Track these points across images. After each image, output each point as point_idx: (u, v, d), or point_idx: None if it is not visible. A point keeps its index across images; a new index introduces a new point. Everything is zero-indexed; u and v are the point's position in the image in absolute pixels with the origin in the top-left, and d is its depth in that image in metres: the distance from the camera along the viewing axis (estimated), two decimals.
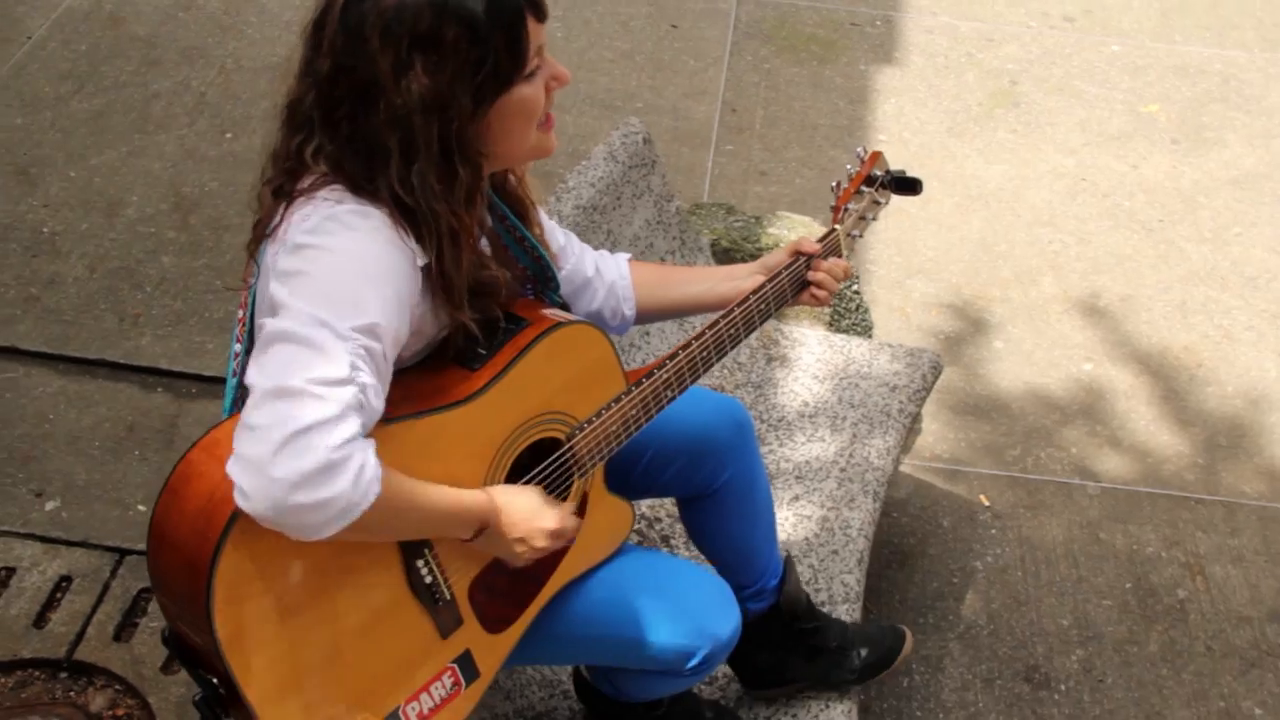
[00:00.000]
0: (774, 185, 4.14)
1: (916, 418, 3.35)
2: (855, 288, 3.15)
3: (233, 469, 1.37)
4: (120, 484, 3.03)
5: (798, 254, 1.97)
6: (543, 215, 1.91)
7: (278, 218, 1.55)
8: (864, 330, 3.17)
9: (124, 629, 2.75)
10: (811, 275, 1.96)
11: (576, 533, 1.74)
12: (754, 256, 3.03)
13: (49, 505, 2.98)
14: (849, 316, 3.10)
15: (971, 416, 3.47)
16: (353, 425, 1.40)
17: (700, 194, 4.09)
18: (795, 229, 3.09)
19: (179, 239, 3.68)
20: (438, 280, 1.56)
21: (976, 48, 4.85)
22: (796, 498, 2.62)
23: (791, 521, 2.57)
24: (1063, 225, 4.09)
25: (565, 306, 1.84)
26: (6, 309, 3.46)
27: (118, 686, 2.68)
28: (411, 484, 1.51)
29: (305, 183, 1.55)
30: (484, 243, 1.74)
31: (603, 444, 1.75)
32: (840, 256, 2.03)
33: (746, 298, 1.88)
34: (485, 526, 1.61)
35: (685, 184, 4.12)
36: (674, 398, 1.81)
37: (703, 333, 1.83)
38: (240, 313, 1.67)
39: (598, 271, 1.96)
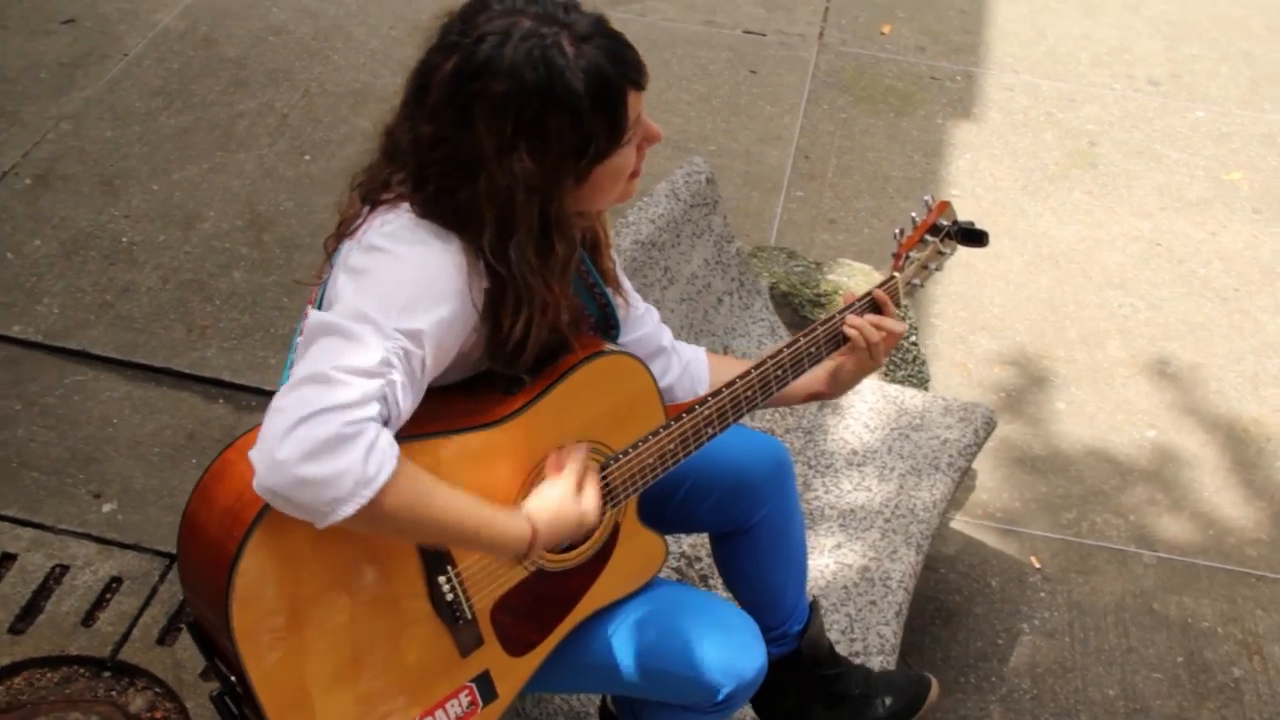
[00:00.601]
0: (842, 234, 4.13)
1: (969, 473, 3.31)
2: (913, 339, 3.13)
3: (252, 452, 1.40)
4: (176, 490, 3.09)
5: (859, 299, 1.97)
6: (625, 279, 1.91)
7: (360, 219, 1.59)
8: (920, 382, 3.15)
9: (168, 633, 2.79)
10: (846, 329, 1.94)
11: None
12: (812, 301, 3.03)
13: (106, 507, 3.04)
14: (905, 368, 3.07)
15: (1028, 476, 3.42)
16: (370, 410, 1.41)
17: (768, 238, 4.09)
18: (855, 276, 3.09)
19: (251, 255, 3.76)
20: (504, 343, 1.58)
21: (1057, 107, 4.81)
22: (838, 545, 2.60)
23: (832, 569, 2.55)
24: (1134, 289, 4.03)
25: None
26: (81, 314, 3.55)
27: (158, 689, 2.72)
28: (435, 482, 1.51)
29: (393, 193, 1.59)
30: None
31: (638, 476, 1.76)
32: (898, 305, 2.02)
33: (796, 339, 1.88)
34: (529, 554, 1.61)
35: (753, 228, 4.13)
36: (714, 435, 1.81)
37: (748, 372, 1.83)
38: (308, 308, 1.71)
39: (674, 348, 1.97)
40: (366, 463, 1.40)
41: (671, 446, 1.77)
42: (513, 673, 1.73)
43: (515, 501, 1.65)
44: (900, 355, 3.08)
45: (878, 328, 1.93)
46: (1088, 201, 4.37)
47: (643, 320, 1.94)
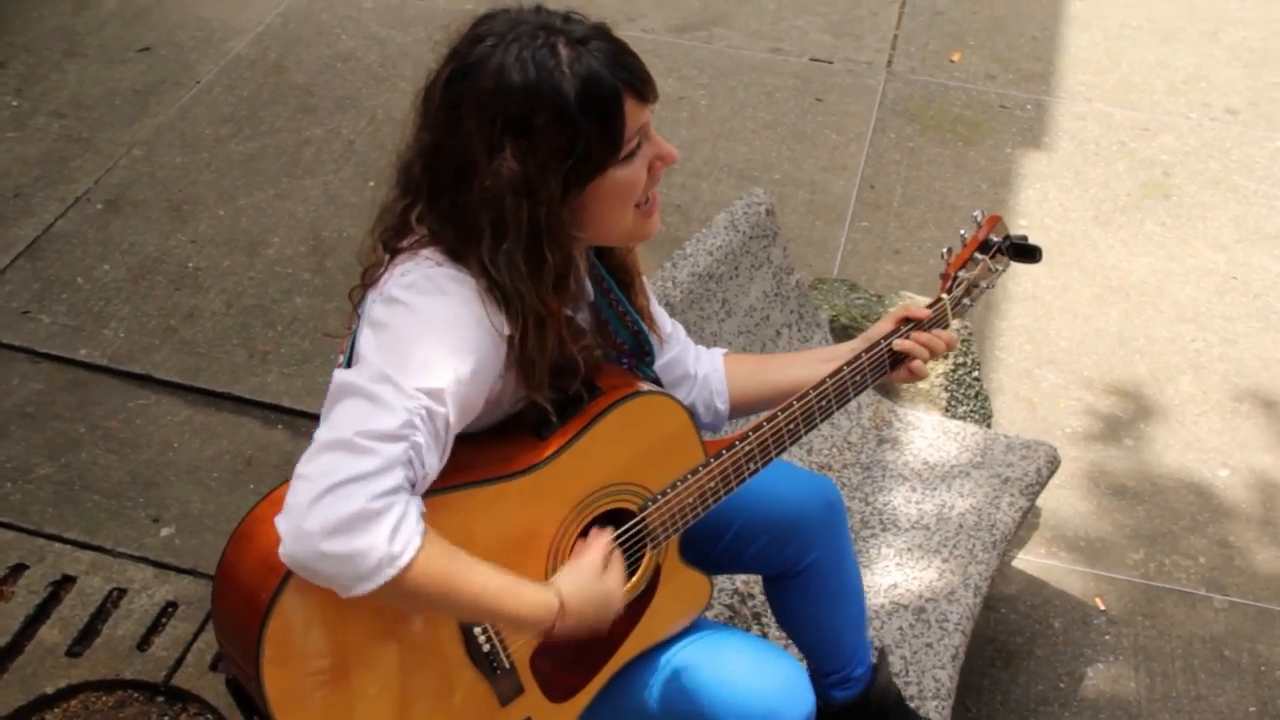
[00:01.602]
0: (906, 265, 4.08)
1: (1032, 511, 3.23)
2: (976, 374, 3.07)
3: (278, 519, 1.39)
4: (233, 515, 3.10)
5: (903, 321, 1.92)
6: (654, 301, 1.89)
7: (382, 269, 1.58)
8: (982, 418, 3.08)
9: (221, 659, 2.80)
10: (899, 344, 1.89)
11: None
12: None
13: (164, 531, 3.07)
14: (966, 404, 3.01)
15: (1094, 515, 3.33)
16: (395, 478, 1.40)
17: (831, 269, 4.05)
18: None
19: (313, 281, 3.79)
20: (520, 359, 1.56)
21: (1130, 136, 4.72)
22: (894, 585, 2.54)
23: (887, 609, 2.49)
24: (1207, 324, 3.93)
25: (657, 380, 1.82)
26: (147, 338, 3.59)
27: (209, 715, 2.73)
28: (464, 556, 1.49)
29: (409, 240, 1.58)
30: (584, 315, 1.74)
31: (678, 516, 1.72)
32: (945, 326, 1.97)
33: (840, 368, 1.83)
34: (554, 627, 1.58)
35: (816, 258, 4.09)
36: (756, 470, 1.77)
37: (790, 404, 1.78)
38: (340, 358, 1.70)
39: (697, 369, 1.94)
40: (392, 541, 1.39)
41: (712, 485, 1.73)
42: (555, 719, 1.70)
43: (550, 551, 1.63)
44: (962, 390, 3.02)
45: (926, 344, 1.89)
46: (1160, 233, 4.28)
47: (671, 342, 1.91)
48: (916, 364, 1.89)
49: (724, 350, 2.00)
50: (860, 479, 2.80)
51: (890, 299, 3.06)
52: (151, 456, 3.26)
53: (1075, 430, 3.57)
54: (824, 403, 1.81)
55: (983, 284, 2.03)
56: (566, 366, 1.62)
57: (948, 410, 2.96)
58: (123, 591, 2.93)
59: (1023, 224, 4.28)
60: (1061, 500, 3.36)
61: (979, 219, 2.03)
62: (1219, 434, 3.58)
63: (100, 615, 2.87)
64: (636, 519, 1.70)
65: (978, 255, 2.01)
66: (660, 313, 1.90)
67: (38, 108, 4.46)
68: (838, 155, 4.54)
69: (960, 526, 2.64)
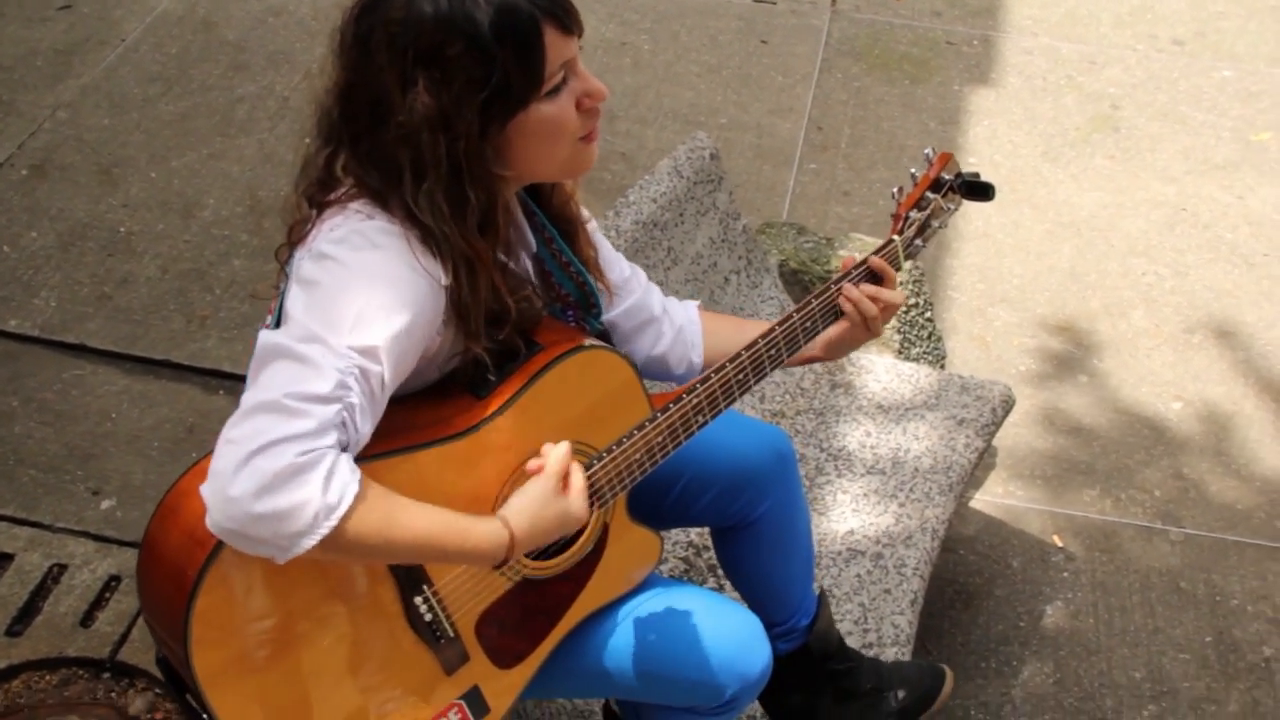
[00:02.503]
0: (856, 206, 4.03)
1: (987, 452, 3.21)
2: (928, 315, 3.03)
3: (203, 487, 1.32)
4: None
5: (855, 266, 1.87)
6: (607, 246, 1.83)
7: (309, 225, 1.51)
8: (936, 359, 3.05)
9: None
10: (841, 302, 1.82)
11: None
12: (822, 279, 2.93)
13: (105, 504, 2.98)
14: (920, 344, 2.97)
15: (1050, 453, 3.32)
16: (328, 439, 1.34)
17: (780, 213, 3.99)
18: (868, 251, 2.97)
19: (251, 243, 3.69)
20: (454, 305, 1.49)
21: (1078, 70, 4.68)
22: (851, 531, 2.51)
23: (844, 556, 2.46)
24: (1158, 256, 3.91)
25: (605, 334, 1.76)
26: (79, 306, 3.49)
27: (158, 690, 2.66)
28: (402, 500, 1.43)
29: (337, 193, 1.51)
30: (527, 264, 1.67)
31: (624, 473, 1.66)
32: (898, 269, 1.91)
33: (789, 315, 1.77)
34: (508, 558, 1.52)
35: (765, 202, 4.03)
36: (705, 423, 1.71)
37: (739, 354, 1.72)
38: (268, 319, 1.63)
39: (665, 312, 1.87)
40: (326, 491, 1.33)
41: (659, 439, 1.67)
42: (504, 685, 1.65)
43: (493, 513, 1.57)
44: (915, 332, 2.98)
45: (875, 300, 1.82)
46: (1110, 167, 4.25)
47: (629, 287, 1.84)
48: (858, 317, 1.81)
49: (697, 303, 1.94)
50: (814, 425, 2.76)
51: (840, 241, 3.01)
52: (89, 428, 3.17)
53: (1029, 368, 3.54)
54: (773, 352, 1.76)
55: (934, 224, 1.98)
56: (503, 315, 1.55)
57: (900, 352, 2.92)
58: (63, 567, 2.84)
59: (972, 161, 4.24)
60: (1018, 439, 3.34)
61: (930, 157, 1.97)
62: (1172, 367, 3.56)
63: (40, 592, 2.79)
64: (584, 471, 1.64)
65: (929, 194, 1.95)
66: (615, 258, 1.83)
67: None
68: (784, 97, 4.47)
69: (916, 470, 2.61)
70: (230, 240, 3.71)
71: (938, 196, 1.94)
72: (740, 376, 1.72)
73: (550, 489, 1.53)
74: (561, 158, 1.53)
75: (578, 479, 1.56)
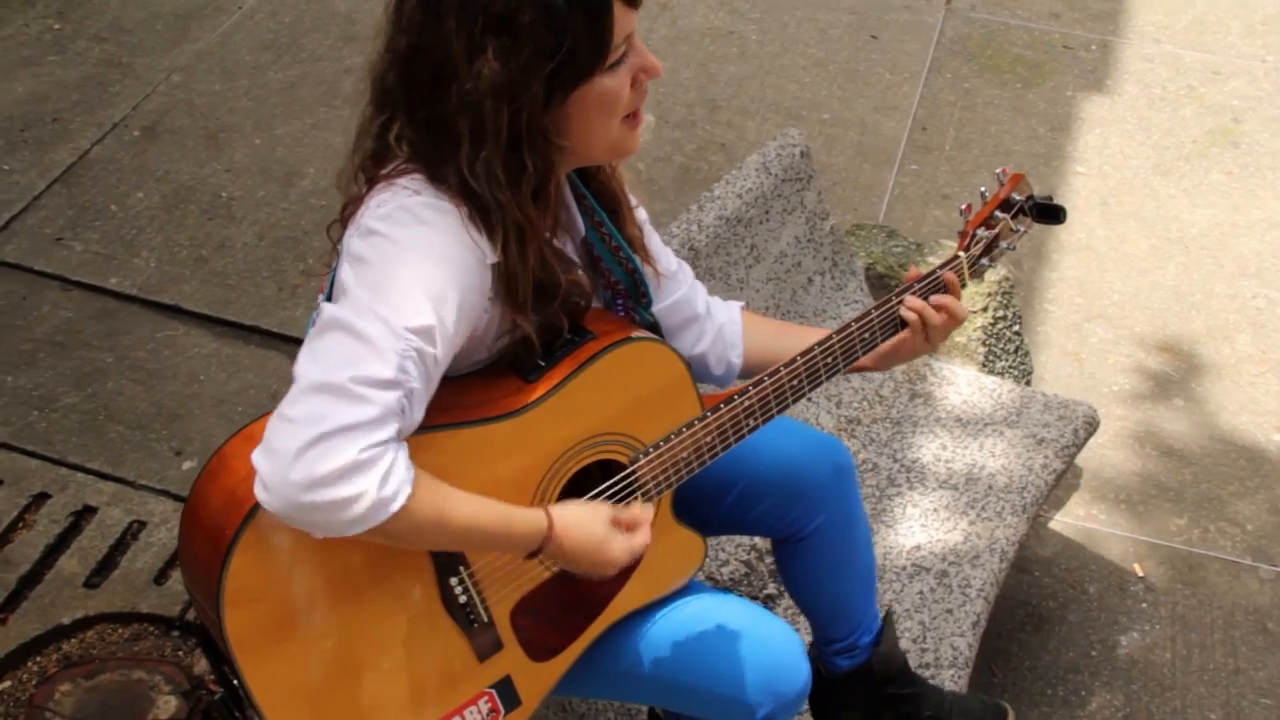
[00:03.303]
0: (955, 211, 3.93)
1: (1070, 472, 3.13)
2: (1017, 329, 2.95)
3: (258, 458, 1.33)
4: None
5: (919, 279, 1.82)
6: (656, 240, 1.81)
7: (360, 201, 1.51)
8: (1022, 375, 2.97)
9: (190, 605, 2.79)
10: (904, 312, 1.79)
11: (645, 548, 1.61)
12: None
13: (186, 465, 3.05)
14: (1005, 359, 2.90)
15: (1138, 477, 3.21)
16: (389, 430, 1.34)
17: (877, 213, 3.92)
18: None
19: None
20: (503, 275, 1.48)
21: (1200, 80, 4.51)
22: (918, 547, 2.46)
23: (908, 572, 2.41)
24: (1271, 279, 3.76)
25: (655, 326, 1.74)
26: (177, 268, 3.56)
27: None
28: (453, 493, 1.43)
29: (388, 168, 1.50)
30: (570, 248, 1.66)
31: (670, 471, 1.64)
32: (964, 285, 1.86)
33: (848, 324, 1.74)
34: (541, 550, 1.52)
35: (863, 201, 3.96)
36: (756, 427, 1.68)
37: (794, 359, 1.69)
38: (320, 297, 1.63)
39: (709, 311, 1.84)
40: (383, 487, 1.34)
41: (709, 440, 1.65)
42: (537, 679, 1.64)
43: (534, 501, 1.56)
44: (1001, 345, 2.90)
45: (940, 308, 1.78)
46: (1226, 183, 4.09)
47: (675, 281, 1.82)
48: (918, 335, 1.78)
49: (741, 304, 1.91)
50: (889, 434, 2.71)
51: (931, 247, 2.95)
52: (177, 388, 3.24)
53: (1123, 388, 3.43)
54: (829, 359, 1.72)
55: (1003, 244, 1.92)
56: (552, 288, 1.54)
57: (985, 365, 2.85)
58: (143, 524, 2.91)
59: (1080, 171, 4.12)
60: (1105, 460, 3.25)
61: (1001, 176, 1.92)
62: (1276, 396, 3.43)
63: (119, 547, 2.86)
64: (627, 471, 1.62)
65: (998, 214, 1.90)
66: (663, 250, 1.81)
67: (79, 31, 4.42)
68: (890, 95, 4.38)
69: (990, 488, 2.54)
70: (328, 210, 3.75)
71: (1007, 216, 1.89)
72: (795, 383, 1.69)
73: (604, 513, 1.53)
74: (611, 136, 1.52)
75: (642, 535, 1.57)
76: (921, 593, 2.37)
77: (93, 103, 4.11)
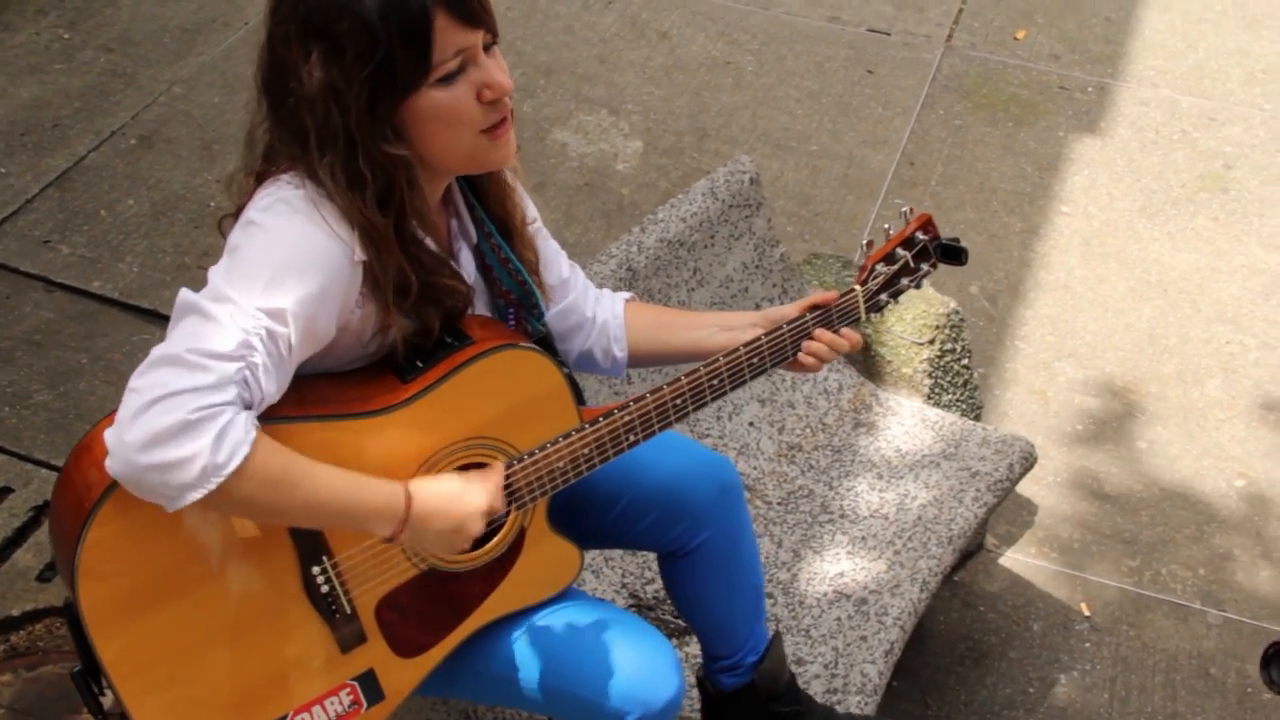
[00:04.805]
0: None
1: (1024, 509, 3.12)
2: (965, 363, 2.95)
3: (106, 432, 1.38)
4: None
5: (811, 309, 1.84)
6: (551, 246, 1.85)
7: (248, 196, 1.57)
8: (971, 409, 2.97)
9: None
10: (807, 344, 1.82)
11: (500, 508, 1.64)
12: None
13: None
14: (952, 391, 2.90)
15: (1093, 516, 3.20)
16: (226, 394, 1.38)
17: (855, 245, 3.93)
18: (910, 294, 2.91)
19: None
20: (369, 274, 1.53)
21: (1194, 125, 4.50)
22: (841, 574, 2.46)
23: (829, 598, 2.42)
24: (1247, 326, 3.74)
25: (546, 336, 1.77)
26: (160, 274, 3.64)
27: None
28: (301, 459, 1.46)
29: (275, 166, 1.56)
30: (465, 254, 1.70)
31: (546, 479, 1.67)
32: (857, 319, 1.89)
33: (737, 350, 1.77)
34: (403, 519, 1.53)
35: (843, 233, 3.98)
36: (637, 442, 1.71)
37: (678, 379, 1.72)
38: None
39: (595, 309, 1.89)
40: (217, 449, 1.37)
41: (586, 451, 1.68)
42: (402, 675, 1.67)
43: None
44: (949, 379, 2.91)
45: (834, 348, 1.81)
46: (1211, 228, 4.08)
47: (566, 287, 1.87)
48: (811, 360, 1.82)
49: (628, 295, 1.96)
50: (829, 461, 2.72)
51: None
52: None
53: (1087, 427, 3.42)
54: (715, 382, 1.75)
55: (905, 282, 1.94)
56: (429, 290, 1.58)
57: (930, 398, 2.86)
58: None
59: (1064, 210, 4.12)
60: (1061, 498, 3.24)
61: (907, 215, 1.94)
62: (1241, 442, 3.40)
63: None
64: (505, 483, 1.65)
65: (900, 250, 1.92)
66: (556, 259, 1.86)
67: (88, 41, 4.53)
68: (880, 129, 4.41)
69: (919, 518, 2.55)
70: None
71: (908, 254, 1.91)
72: (678, 401, 1.72)
73: (459, 483, 1.56)
74: (464, 148, 1.55)
75: (495, 475, 1.59)
76: (839, 619, 2.37)
77: (93, 111, 4.21)
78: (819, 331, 1.82)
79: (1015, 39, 4.89)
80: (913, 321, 2.84)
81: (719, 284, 2.74)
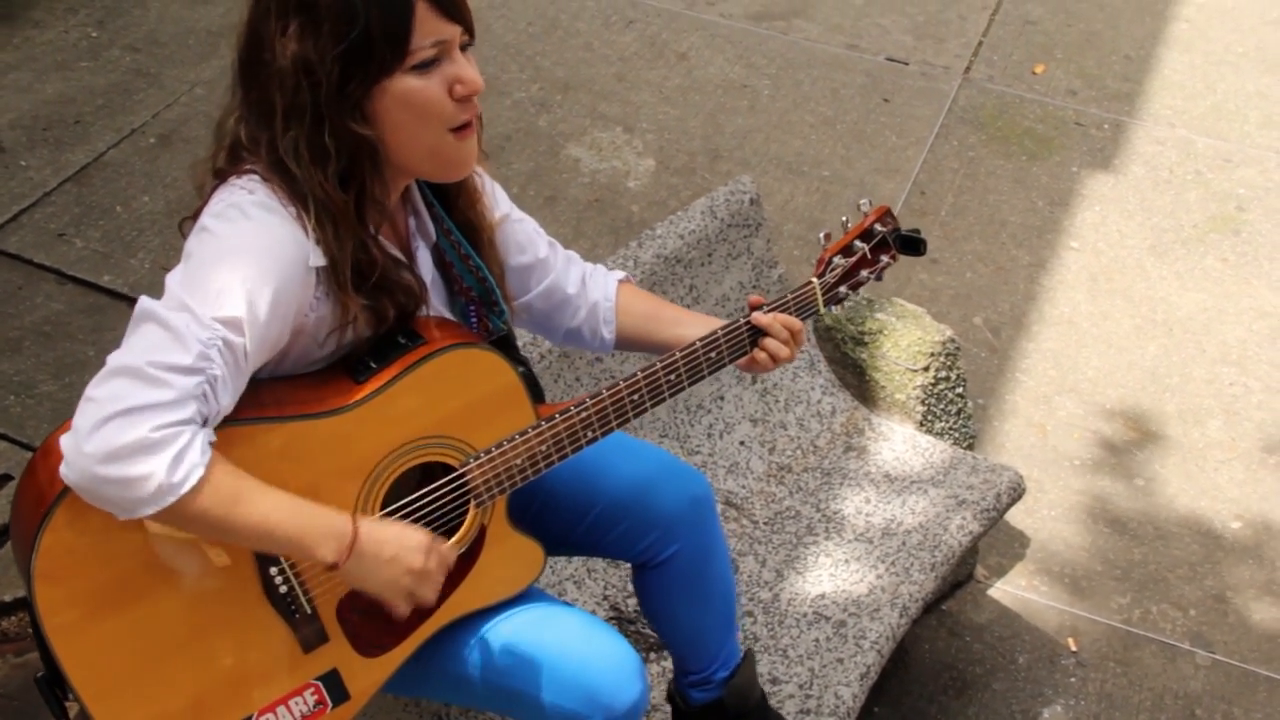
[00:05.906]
0: (941, 275, 3.95)
1: (1017, 541, 3.12)
2: (960, 391, 2.96)
3: (62, 438, 1.39)
4: None
5: (765, 305, 1.86)
6: (529, 226, 1.88)
7: (205, 199, 1.58)
8: (964, 437, 2.97)
9: None
10: (757, 318, 1.84)
11: (447, 571, 1.65)
12: (854, 339, 2.89)
13: None
14: (945, 419, 2.90)
15: (1085, 552, 3.19)
16: (185, 412, 1.39)
17: None
18: (906, 317, 2.93)
19: None
20: (329, 262, 1.54)
21: (1209, 166, 4.50)
22: (822, 595, 2.47)
23: (808, 619, 2.42)
24: (1252, 368, 3.72)
25: (508, 335, 1.79)
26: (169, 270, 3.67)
27: None
28: (254, 485, 1.47)
29: (236, 167, 1.57)
30: (423, 253, 1.71)
31: (504, 477, 1.68)
32: (816, 312, 1.90)
33: (693, 344, 1.78)
34: (344, 552, 1.52)
35: None
36: (596, 439, 1.73)
37: (634, 375, 1.74)
38: None
39: (582, 288, 1.91)
40: (173, 470, 1.39)
41: (543, 449, 1.69)
42: (366, 674, 1.68)
43: (357, 500, 1.60)
44: (942, 406, 2.91)
45: (789, 345, 1.83)
46: (1220, 269, 4.07)
47: (545, 267, 1.89)
48: (772, 342, 1.82)
49: (622, 275, 1.97)
50: (818, 484, 2.72)
51: (880, 304, 2.97)
52: None
53: (1085, 462, 3.42)
54: (673, 377, 1.77)
55: (864, 274, 1.95)
56: (377, 279, 1.59)
57: (922, 425, 2.86)
58: None
59: (1073, 245, 4.12)
60: (1054, 532, 3.23)
61: (865, 207, 1.96)
62: (1240, 484, 3.39)
63: None
64: (457, 473, 1.66)
65: (858, 243, 1.93)
66: (534, 240, 1.88)
67: (114, 40, 4.59)
68: (893, 158, 4.42)
69: (904, 544, 2.55)
70: None
71: (866, 247, 1.92)
72: (635, 398, 1.73)
73: (410, 530, 1.58)
74: (428, 142, 1.56)
75: (447, 552, 1.62)
76: (817, 640, 2.37)
77: (115, 108, 4.27)
78: (773, 315, 1.83)
79: (1033, 73, 4.90)
80: (908, 348, 2.85)
81: (714, 302, 2.76)
